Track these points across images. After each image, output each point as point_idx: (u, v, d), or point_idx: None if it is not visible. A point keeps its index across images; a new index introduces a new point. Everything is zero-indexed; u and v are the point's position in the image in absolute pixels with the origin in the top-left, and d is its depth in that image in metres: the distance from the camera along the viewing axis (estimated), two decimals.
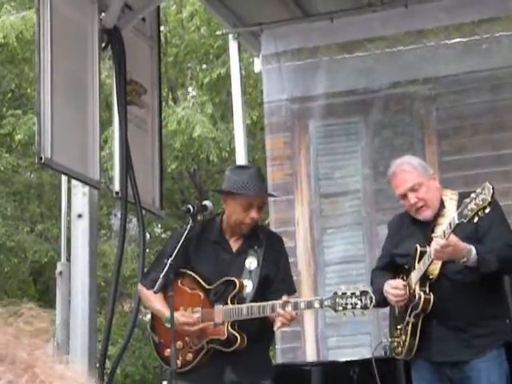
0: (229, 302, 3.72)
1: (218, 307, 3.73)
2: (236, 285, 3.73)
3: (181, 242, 3.65)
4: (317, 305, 3.60)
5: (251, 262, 3.81)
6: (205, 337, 3.73)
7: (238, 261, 3.83)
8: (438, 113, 6.87)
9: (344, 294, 3.53)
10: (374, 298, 3.51)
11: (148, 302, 3.95)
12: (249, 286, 3.74)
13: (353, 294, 3.52)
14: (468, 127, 6.72)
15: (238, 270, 3.78)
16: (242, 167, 4.10)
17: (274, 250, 3.89)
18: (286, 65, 7.24)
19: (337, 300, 3.54)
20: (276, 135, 7.29)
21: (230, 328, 3.70)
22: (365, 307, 3.52)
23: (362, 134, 7.09)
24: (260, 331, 3.77)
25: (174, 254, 3.60)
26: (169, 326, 3.71)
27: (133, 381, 15.01)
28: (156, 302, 3.87)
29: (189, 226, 3.71)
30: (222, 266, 3.80)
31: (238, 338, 3.68)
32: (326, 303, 3.57)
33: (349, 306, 3.52)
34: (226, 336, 3.69)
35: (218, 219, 3.86)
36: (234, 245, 3.88)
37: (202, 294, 3.80)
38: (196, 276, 3.77)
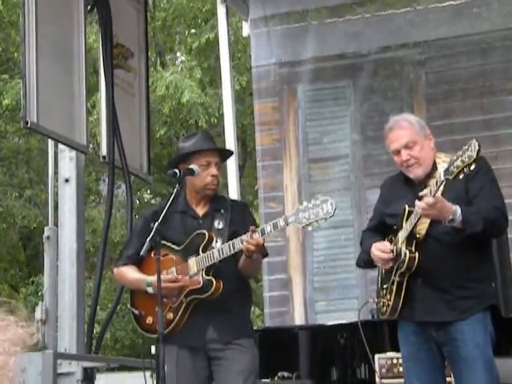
0: (200, 252, 3.74)
1: (191, 260, 3.77)
2: (205, 235, 3.75)
3: (167, 207, 3.65)
4: (282, 223, 3.62)
5: (219, 223, 3.86)
6: (182, 292, 3.75)
7: (205, 223, 3.88)
8: (428, 77, 6.84)
9: (306, 207, 3.56)
10: (334, 203, 3.53)
11: (125, 277, 3.95)
12: (219, 243, 3.77)
13: (314, 204, 3.54)
14: (457, 92, 6.70)
15: (206, 230, 3.80)
16: (190, 134, 4.13)
17: (240, 212, 3.94)
18: (275, 29, 7.18)
19: (300, 214, 3.57)
20: (264, 100, 7.25)
21: (204, 275, 3.73)
22: (327, 214, 3.52)
23: (351, 99, 7.06)
24: (238, 286, 3.79)
25: (160, 218, 3.60)
26: (150, 290, 3.72)
27: (123, 345, 15.08)
28: (132, 273, 3.89)
29: (175, 190, 3.71)
30: (191, 230, 3.84)
31: (214, 281, 3.71)
32: (290, 219, 3.60)
33: (312, 217, 3.54)
34: (201, 283, 3.71)
35: (182, 193, 3.87)
36: (201, 211, 3.92)
37: (174, 256, 3.83)
38: (166, 243, 3.79)
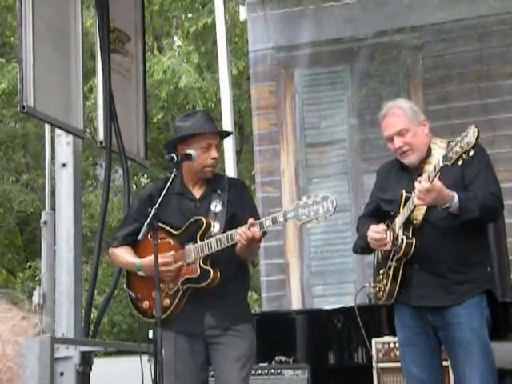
0: (198, 239, 3.73)
1: (188, 247, 3.76)
2: (203, 222, 3.74)
3: (164, 192, 3.64)
4: (281, 218, 3.59)
5: (216, 206, 3.83)
6: (179, 279, 3.75)
7: (202, 206, 3.85)
8: (425, 62, 6.84)
9: (306, 203, 3.54)
10: (335, 200, 3.49)
11: (118, 259, 3.93)
12: (216, 227, 3.75)
13: (314, 201, 3.53)
14: (454, 76, 6.70)
15: (203, 214, 3.79)
16: (189, 114, 4.05)
17: (238, 193, 3.91)
18: (272, 13, 7.16)
19: (299, 210, 3.55)
20: (261, 84, 7.25)
21: (202, 264, 3.72)
22: (327, 211, 3.51)
23: (348, 84, 7.06)
24: (236, 272, 3.79)
25: (158, 202, 3.59)
26: (141, 273, 3.72)
27: (120, 330, 15.13)
28: (126, 255, 3.87)
29: (173, 174, 3.70)
30: (188, 213, 3.82)
31: (211, 271, 3.70)
32: (289, 215, 3.57)
33: (312, 214, 3.52)
34: (198, 272, 3.71)
35: (178, 174, 3.84)
36: (197, 193, 3.89)
37: (171, 241, 3.81)
38: (164, 226, 3.77)
